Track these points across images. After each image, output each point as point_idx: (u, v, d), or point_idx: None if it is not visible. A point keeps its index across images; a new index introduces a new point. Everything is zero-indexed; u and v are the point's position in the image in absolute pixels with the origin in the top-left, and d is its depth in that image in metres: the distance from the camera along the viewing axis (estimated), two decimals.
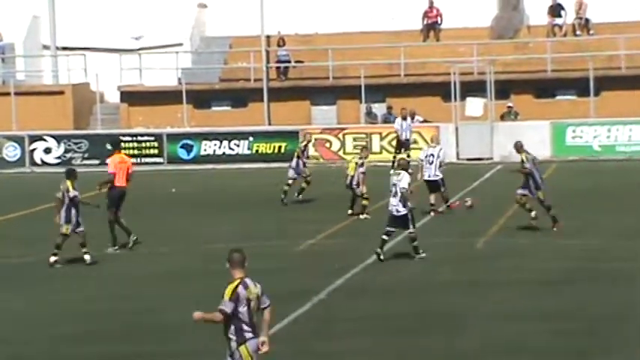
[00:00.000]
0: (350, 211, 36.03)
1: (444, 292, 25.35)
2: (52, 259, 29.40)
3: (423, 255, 28.83)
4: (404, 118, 48.07)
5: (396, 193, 28.64)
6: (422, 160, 36.32)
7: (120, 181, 31.57)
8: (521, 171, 32.65)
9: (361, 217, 35.56)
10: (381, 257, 28.57)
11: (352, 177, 36.15)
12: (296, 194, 38.63)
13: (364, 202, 35.93)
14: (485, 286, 25.94)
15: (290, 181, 38.92)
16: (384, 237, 28.72)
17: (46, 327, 23.23)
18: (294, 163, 39.13)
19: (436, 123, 51.41)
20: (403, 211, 28.54)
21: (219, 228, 34.87)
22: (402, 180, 28.59)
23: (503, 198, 38.60)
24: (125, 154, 33.93)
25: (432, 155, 36.22)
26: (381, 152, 50.69)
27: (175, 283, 27.13)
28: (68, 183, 29.57)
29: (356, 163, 36.39)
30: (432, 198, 35.94)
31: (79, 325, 23.28)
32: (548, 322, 22.36)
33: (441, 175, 36.03)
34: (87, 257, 29.47)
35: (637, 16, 55.14)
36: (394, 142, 48.70)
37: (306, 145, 40.55)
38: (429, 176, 35.94)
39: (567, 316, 22.78)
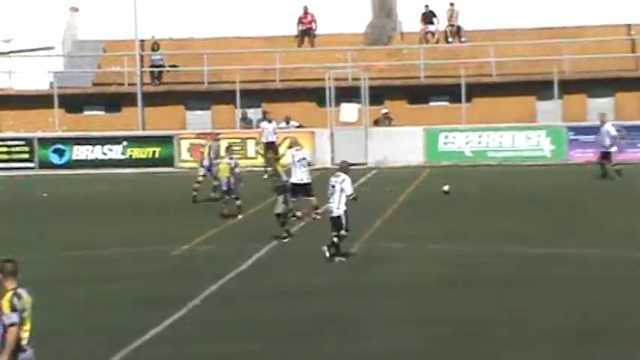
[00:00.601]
0: (224, 212, 36.04)
1: (321, 297, 25.31)
2: None
3: (344, 259, 28.83)
4: (269, 122, 48.40)
5: (333, 194, 28.73)
6: (291, 164, 36.12)
7: None
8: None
9: (239, 217, 35.60)
10: (336, 259, 28.74)
11: (229, 179, 36.16)
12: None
13: (238, 202, 35.92)
14: (362, 291, 25.94)
15: (200, 179, 39.18)
16: (334, 240, 28.81)
17: None
18: (206, 162, 39.18)
19: (311, 128, 51.59)
20: (338, 212, 28.69)
21: (93, 233, 34.62)
22: (346, 183, 28.67)
23: (378, 203, 38.89)
24: None
25: (304, 159, 36.04)
26: (256, 157, 50.59)
27: None
28: None
29: (228, 164, 36.38)
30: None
31: None
32: (426, 327, 22.40)
33: (308, 179, 35.85)
34: None
35: (508, 24, 55.78)
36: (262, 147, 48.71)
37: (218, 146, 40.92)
38: (301, 180, 35.70)
39: (445, 321, 22.83)
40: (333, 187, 28.87)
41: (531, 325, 22.37)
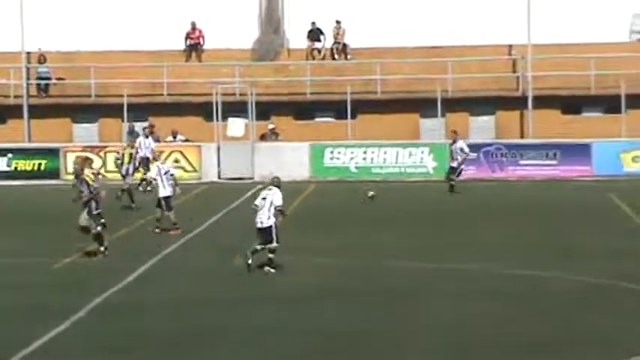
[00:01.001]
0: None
1: (202, 309, 25.35)
2: None
3: (273, 270, 29.12)
4: (146, 137, 48.10)
5: (263, 206, 29.12)
6: (155, 179, 36.30)
7: None
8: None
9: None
10: (265, 269, 29.23)
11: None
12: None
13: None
14: (243, 302, 26.05)
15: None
16: (263, 249, 29.33)
17: None
18: (124, 169, 39.62)
19: (198, 142, 51.56)
20: (268, 223, 29.09)
21: None
22: (276, 197, 29.19)
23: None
24: None
25: (168, 172, 36.37)
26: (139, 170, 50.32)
27: None
28: None
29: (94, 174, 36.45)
30: (159, 212, 36.16)
31: None
32: (297, 338, 22.57)
33: (170, 193, 36.10)
34: None
35: (393, 42, 56.13)
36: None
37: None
38: (165, 193, 35.98)
39: (318, 333, 23.02)
40: (264, 199, 29.32)
41: (404, 338, 22.65)
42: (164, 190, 36.06)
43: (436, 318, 24.31)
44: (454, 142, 46.21)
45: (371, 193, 39.38)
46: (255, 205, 29.64)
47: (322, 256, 31.81)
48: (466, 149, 45.81)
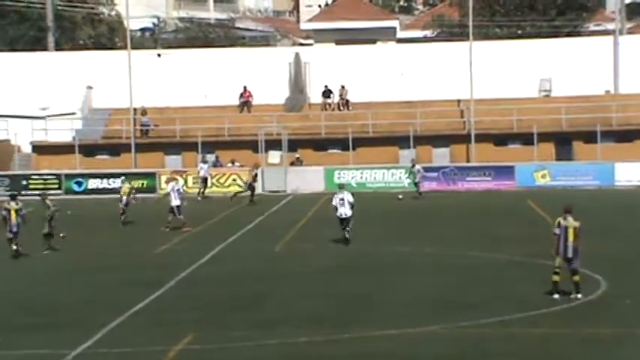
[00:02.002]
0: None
1: (257, 279, 25.52)
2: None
3: (349, 239, 30.53)
4: (204, 162, 48.82)
5: (343, 203, 30.45)
6: (170, 192, 36.01)
7: None
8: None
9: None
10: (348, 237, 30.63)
11: (126, 197, 37.31)
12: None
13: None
14: (283, 275, 26.18)
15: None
16: (345, 230, 30.65)
17: None
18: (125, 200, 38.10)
19: (248, 167, 51.53)
20: (350, 213, 30.53)
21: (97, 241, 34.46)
22: (349, 196, 30.74)
23: (294, 216, 39.11)
24: None
25: (178, 190, 36.17)
26: (211, 187, 50.56)
27: None
28: (13, 203, 30.02)
29: (130, 188, 38.00)
30: (170, 217, 35.69)
31: None
32: (334, 298, 22.66)
33: (179, 203, 35.63)
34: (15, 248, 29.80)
35: (380, 97, 56.19)
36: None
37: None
38: (175, 204, 35.57)
39: (331, 295, 23.08)
40: (342, 199, 30.80)
41: (389, 296, 22.76)
42: (175, 201, 35.61)
43: (411, 284, 24.47)
44: (413, 165, 46.70)
45: (400, 196, 39.14)
46: (334, 205, 31.02)
47: (334, 243, 31.93)
48: (422, 171, 46.53)
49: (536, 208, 39.82)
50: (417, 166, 46.77)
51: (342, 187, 32.04)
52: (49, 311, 22.03)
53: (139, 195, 41.24)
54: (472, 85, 53.10)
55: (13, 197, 30.62)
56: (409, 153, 53.02)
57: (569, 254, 21.74)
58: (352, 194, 31.29)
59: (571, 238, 21.70)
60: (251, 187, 45.59)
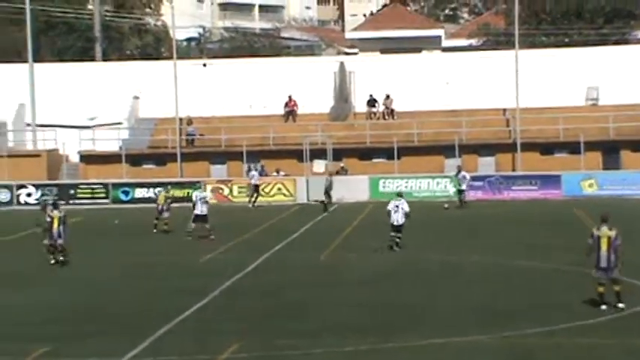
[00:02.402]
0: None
1: (301, 288, 25.55)
2: (52, 261, 29.95)
3: (398, 249, 31.07)
4: (255, 169, 49.38)
5: (397, 210, 31.12)
6: (196, 201, 35.98)
7: None
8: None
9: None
10: (394, 248, 31.21)
11: (162, 206, 37.68)
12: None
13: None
14: (328, 284, 26.19)
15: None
16: (395, 237, 31.24)
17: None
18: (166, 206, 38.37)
19: (294, 176, 51.77)
20: (402, 221, 31.22)
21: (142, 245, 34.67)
22: (405, 205, 31.44)
23: (340, 225, 39.10)
24: None
25: (204, 198, 36.36)
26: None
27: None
28: (56, 212, 30.13)
29: (165, 197, 38.11)
30: (193, 226, 35.82)
31: None
32: (379, 307, 22.63)
33: (206, 212, 35.62)
34: (62, 259, 29.92)
35: (425, 106, 56.08)
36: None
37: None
38: (201, 212, 35.66)
39: (374, 304, 23.02)
40: (397, 206, 31.33)
41: (445, 306, 22.66)
42: (199, 210, 35.50)
43: (457, 293, 24.38)
44: (459, 172, 46.47)
45: (446, 205, 39.11)
46: (389, 209, 31.53)
47: (379, 252, 31.80)
48: (468, 177, 46.30)
49: (583, 218, 39.50)
50: (463, 172, 46.54)
51: (400, 195, 32.71)
52: (96, 320, 22.21)
53: (185, 204, 41.46)
54: (518, 94, 52.84)
55: (55, 205, 30.79)
56: (454, 162, 52.84)
57: (603, 264, 21.55)
58: (408, 204, 31.65)
59: (604, 247, 21.53)
60: (327, 194, 46.58)
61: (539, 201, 48.60)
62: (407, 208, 31.29)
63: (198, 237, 35.24)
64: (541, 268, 27.86)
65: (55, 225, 29.74)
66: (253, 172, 49.51)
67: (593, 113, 54.57)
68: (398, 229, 31.33)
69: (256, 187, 49.02)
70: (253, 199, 48.60)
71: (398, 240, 31.36)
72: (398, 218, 31.17)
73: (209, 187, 51.02)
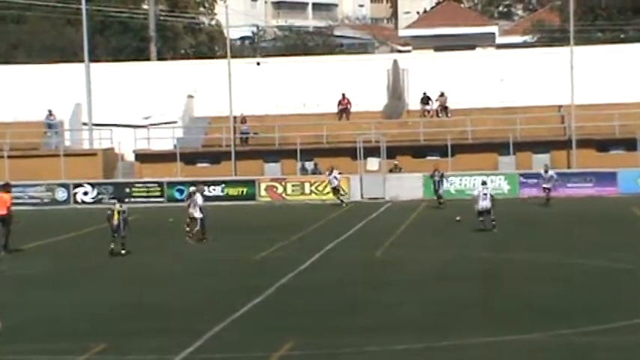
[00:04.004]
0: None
1: (355, 287, 25.55)
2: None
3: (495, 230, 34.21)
4: (331, 174, 48.53)
5: (485, 197, 34.74)
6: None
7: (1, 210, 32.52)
8: None
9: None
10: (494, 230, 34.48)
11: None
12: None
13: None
14: (383, 281, 26.14)
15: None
16: (481, 221, 34.66)
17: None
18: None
19: (347, 174, 51.73)
20: (490, 206, 34.73)
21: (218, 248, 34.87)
22: (490, 189, 36.06)
23: (392, 223, 39.03)
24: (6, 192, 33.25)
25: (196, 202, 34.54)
26: (310, 194, 50.94)
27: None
28: (118, 205, 32.06)
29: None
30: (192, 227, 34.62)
31: None
32: (434, 305, 22.57)
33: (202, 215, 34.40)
34: (123, 252, 31.44)
35: (478, 104, 55.78)
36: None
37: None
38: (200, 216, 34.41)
39: (434, 301, 22.96)
40: (485, 194, 34.62)
41: (501, 304, 22.54)
42: (197, 214, 34.49)
43: (513, 291, 24.24)
44: (546, 171, 46.00)
45: (458, 218, 38.57)
46: (476, 195, 35.14)
47: (434, 250, 31.77)
48: (555, 176, 45.71)
49: None
50: (551, 172, 46.00)
51: (484, 183, 36.79)
52: (153, 317, 22.40)
53: (237, 202, 41.60)
54: (573, 90, 52.34)
55: (118, 200, 33.21)
56: (509, 160, 52.56)
57: None
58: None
59: None
60: (336, 190, 46.97)
61: (595, 198, 48.10)
62: (492, 193, 35.62)
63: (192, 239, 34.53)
64: (599, 267, 27.57)
65: (115, 217, 31.50)
66: (336, 175, 48.29)
67: None
68: (489, 213, 34.68)
69: (336, 190, 48.37)
70: (340, 200, 47.79)
71: (493, 223, 34.65)
72: (486, 204, 34.50)
73: (263, 186, 51.18)
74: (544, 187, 45.53)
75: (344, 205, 47.30)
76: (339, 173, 51.54)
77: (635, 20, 69.51)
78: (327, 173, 49.43)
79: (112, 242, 31.55)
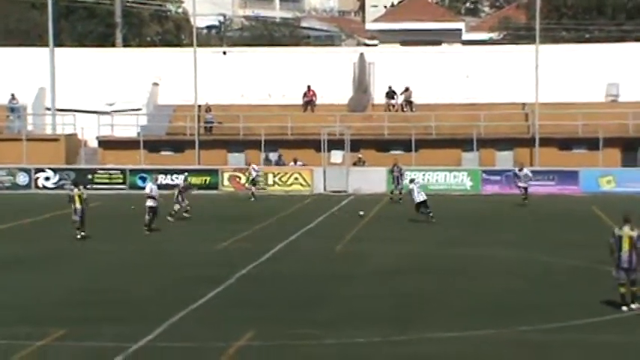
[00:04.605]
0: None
1: (315, 280, 25.57)
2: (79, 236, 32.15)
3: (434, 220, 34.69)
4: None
5: (420, 191, 37.43)
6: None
7: None
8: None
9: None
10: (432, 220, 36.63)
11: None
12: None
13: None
14: (343, 275, 26.22)
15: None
16: (426, 212, 36.93)
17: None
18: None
19: (311, 167, 51.76)
20: (425, 198, 37.00)
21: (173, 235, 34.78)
22: (419, 184, 38.36)
23: (353, 217, 39.10)
24: None
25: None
26: (273, 185, 50.93)
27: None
28: (76, 190, 32.79)
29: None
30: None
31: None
32: (394, 299, 22.67)
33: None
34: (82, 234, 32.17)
35: (443, 99, 55.94)
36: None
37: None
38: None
39: (396, 294, 23.05)
40: (419, 188, 37.54)
41: (461, 299, 22.67)
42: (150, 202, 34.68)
43: (473, 287, 24.36)
44: (521, 169, 44.57)
45: (361, 213, 38.78)
46: (411, 188, 37.42)
47: (395, 244, 31.88)
48: (530, 174, 44.73)
49: (601, 214, 39.39)
50: (526, 170, 44.29)
51: (413, 180, 39.02)
52: (112, 304, 22.33)
53: (199, 191, 41.55)
54: (537, 89, 52.69)
55: (75, 184, 33.76)
56: (472, 156, 52.80)
57: (624, 264, 21.25)
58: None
59: (626, 247, 21.22)
60: (253, 182, 47.42)
61: (557, 196, 48.48)
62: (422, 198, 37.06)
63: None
64: (559, 264, 27.80)
65: (77, 202, 32.18)
66: (253, 167, 48.67)
67: (612, 110, 54.31)
68: (426, 204, 36.69)
69: (252, 181, 48.36)
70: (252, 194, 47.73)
71: (429, 214, 36.55)
72: (423, 197, 36.74)
73: (226, 175, 51.10)
74: (519, 186, 44.30)
75: (252, 199, 46.77)
76: (303, 164, 51.64)
77: (600, 20, 70.09)
78: (250, 165, 49.22)
79: (77, 230, 32.15)
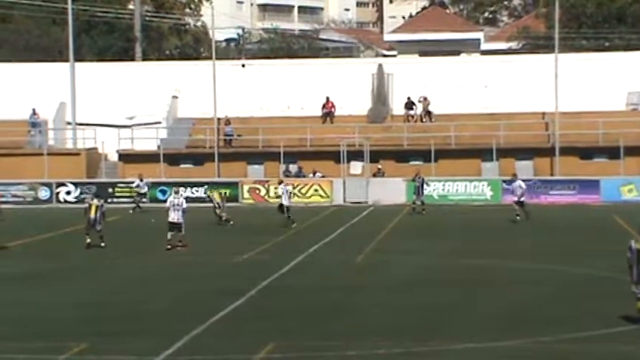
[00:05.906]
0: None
1: (336, 291, 25.56)
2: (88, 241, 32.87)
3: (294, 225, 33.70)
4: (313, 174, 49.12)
5: (290, 195, 38.01)
6: (167, 206, 33.19)
7: None
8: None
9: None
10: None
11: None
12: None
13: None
14: (364, 286, 26.16)
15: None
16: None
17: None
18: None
19: (330, 178, 51.78)
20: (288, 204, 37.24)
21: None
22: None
23: (375, 228, 39.05)
24: None
25: (179, 205, 32.71)
26: (293, 197, 50.81)
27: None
28: (95, 200, 33.85)
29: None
30: (169, 235, 32.82)
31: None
32: (414, 310, 22.55)
33: (180, 220, 32.51)
34: (103, 244, 32.90)
35: (462, 109, 55.90)
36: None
37: None
38: (173, 219, 32.60)
39: (412, 307, 23.01)
40: (287, 191, 38.06)
41: (480, 310, 22.61)
42: (171, 218, 32.65)
43: (492, 298, 24.27)
44: (513, 181, 43.09)
45: (153, 220, 37.54)
46: (280, 193, 37.72)
47: (415, 255, 31.80)
48: (523, 185, 43.32)
49: (623, 223, 39.18)
50: (518, 181, 42.46)
51: (281, 179, 39.05)
52: (132, 318, 22.35)
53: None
54: (557, 98, 52.55)
55: (96, 196, 35.58)
56: (492, 166, 52.71)
57: (636, 278, 20.58)
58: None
59: None
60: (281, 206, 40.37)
61: (578, 206, 48.28)
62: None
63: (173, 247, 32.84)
64: (579, 274, 27.66)
65: (92, 211, 32.60)
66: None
67: (633, 118, 54.13)
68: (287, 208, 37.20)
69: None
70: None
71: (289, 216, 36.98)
72: (287, 203, 37.64)
73: (246, 188, 51.09)
74: (515, 202, 41.64)
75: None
76: (322, 176, 51.65)
77: (620, 28, 69.84)
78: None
79: (86, 236, 32.65)
